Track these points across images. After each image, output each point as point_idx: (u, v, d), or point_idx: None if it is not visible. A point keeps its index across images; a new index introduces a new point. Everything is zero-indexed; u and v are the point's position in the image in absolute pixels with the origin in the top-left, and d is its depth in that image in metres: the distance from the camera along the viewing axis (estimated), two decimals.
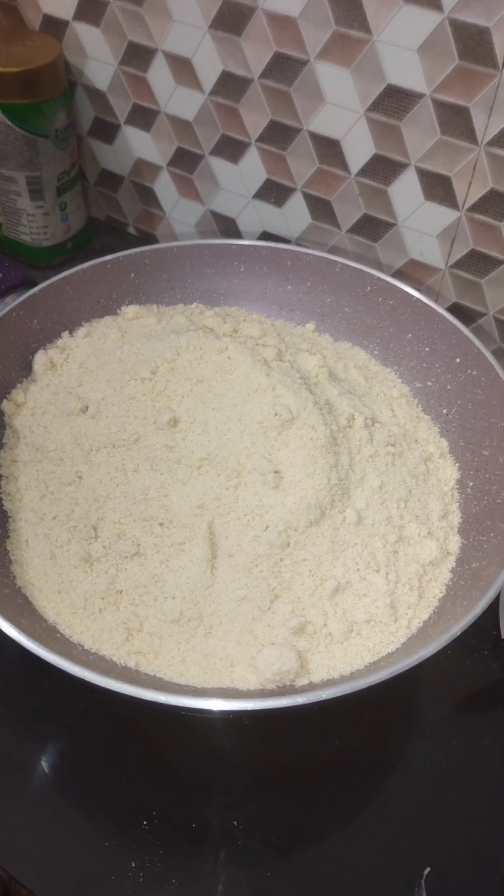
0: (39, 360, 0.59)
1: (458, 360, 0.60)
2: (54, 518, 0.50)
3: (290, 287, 0.67)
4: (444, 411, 0.60)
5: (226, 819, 0.46)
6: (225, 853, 0.45)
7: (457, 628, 0.42)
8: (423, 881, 0.42)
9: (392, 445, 0.55)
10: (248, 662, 0.45)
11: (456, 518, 0.54)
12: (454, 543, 0.52)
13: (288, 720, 0.46)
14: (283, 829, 0.46)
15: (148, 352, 0.56)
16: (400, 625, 0.47)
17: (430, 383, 0.62)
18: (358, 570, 0.48)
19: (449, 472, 0.57)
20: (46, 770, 0.48)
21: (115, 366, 0.57)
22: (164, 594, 0.47)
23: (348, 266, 0.65)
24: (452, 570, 0.51)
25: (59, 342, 0.61)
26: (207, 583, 0.47)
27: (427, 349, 0.62)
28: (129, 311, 0.64)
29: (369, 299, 0.65)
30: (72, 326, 0.62)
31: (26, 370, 0.59)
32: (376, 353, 0.65)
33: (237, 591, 0.47)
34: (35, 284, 0.61)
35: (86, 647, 0.46)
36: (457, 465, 0.57)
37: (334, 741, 0.49)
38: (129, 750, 0.48)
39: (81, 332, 0.62)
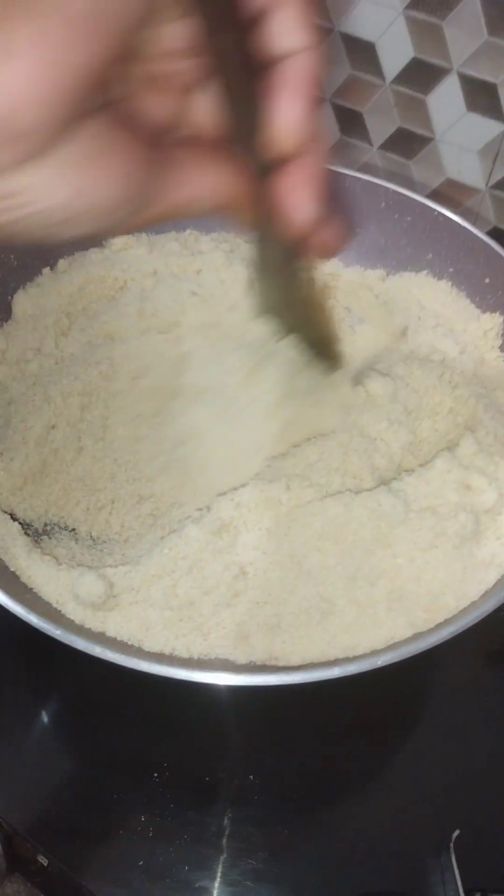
0: (19, 301, 0.53)
1: (487, 280, 0.55)
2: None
3: None
4: None
5: (242, 774, 0.43)
6: (240, 809, 0.42)
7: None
8: (451, 845, 0.40)
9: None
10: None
11: None
12: None
13: None
14: (301, 786, 0.43)
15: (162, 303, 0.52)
16: None
17: None
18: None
19: None
20: (51, 722, 0.45)
21: (118, 311, 0.52)
22: None
23: (358, 179, 0.58)
24: None
25: (39, 279, 0.55)
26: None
27: (451, 269, 0.57)
28: (118, 241, 0.57)
29: (383, 216, 0.58)
30: (53, 261, 0.56)
31: (5, 313, 0.53)
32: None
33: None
34: None
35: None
36: None
37: (356, 696, 0.46)
38: (140, 700, 0.46)
39: (62, 265, 0.56)
